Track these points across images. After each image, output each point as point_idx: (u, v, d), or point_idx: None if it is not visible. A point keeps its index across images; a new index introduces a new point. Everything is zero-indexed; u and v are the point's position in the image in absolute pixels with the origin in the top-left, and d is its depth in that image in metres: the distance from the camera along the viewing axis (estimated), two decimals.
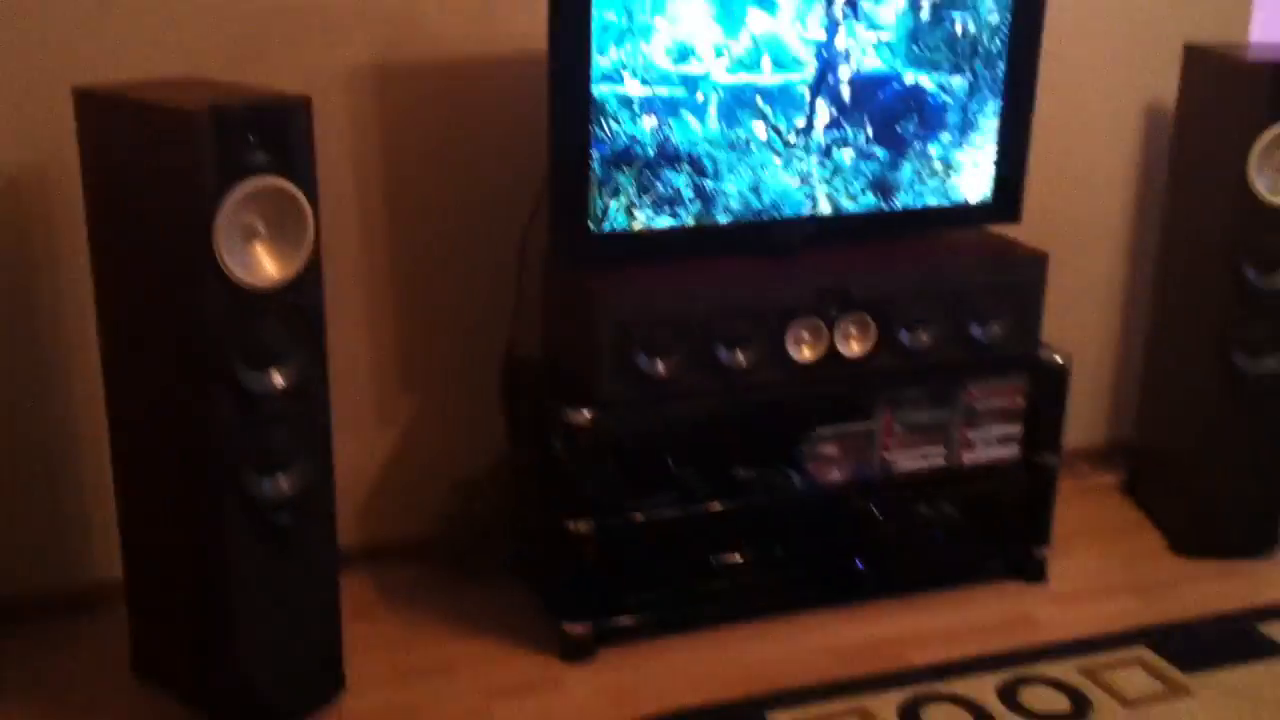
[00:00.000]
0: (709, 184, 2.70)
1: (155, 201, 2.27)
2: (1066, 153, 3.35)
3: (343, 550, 2.65)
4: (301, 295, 2.33)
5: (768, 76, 2.68)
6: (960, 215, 2.95)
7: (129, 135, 2.29)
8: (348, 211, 2.85)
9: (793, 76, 2.69)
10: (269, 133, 2.22)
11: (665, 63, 2.59)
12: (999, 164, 2.92)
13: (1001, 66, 2.84)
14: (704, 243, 2.76)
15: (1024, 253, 2.92)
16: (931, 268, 2.82)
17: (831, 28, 2.69)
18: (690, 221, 2.71)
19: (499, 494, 3.03)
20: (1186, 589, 3.05)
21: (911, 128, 2.82)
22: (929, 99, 2.81)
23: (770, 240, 2.79)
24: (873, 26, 2.72)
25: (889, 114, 2.80)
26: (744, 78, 2.66)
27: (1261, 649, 2.80)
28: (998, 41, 2.82)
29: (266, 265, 2.28)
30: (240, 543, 2.37)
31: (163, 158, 2.22)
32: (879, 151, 2.82)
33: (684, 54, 2.60)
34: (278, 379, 2.34)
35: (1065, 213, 3.38)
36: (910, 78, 2.78)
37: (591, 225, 2.65)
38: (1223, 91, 3.04)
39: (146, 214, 2.30)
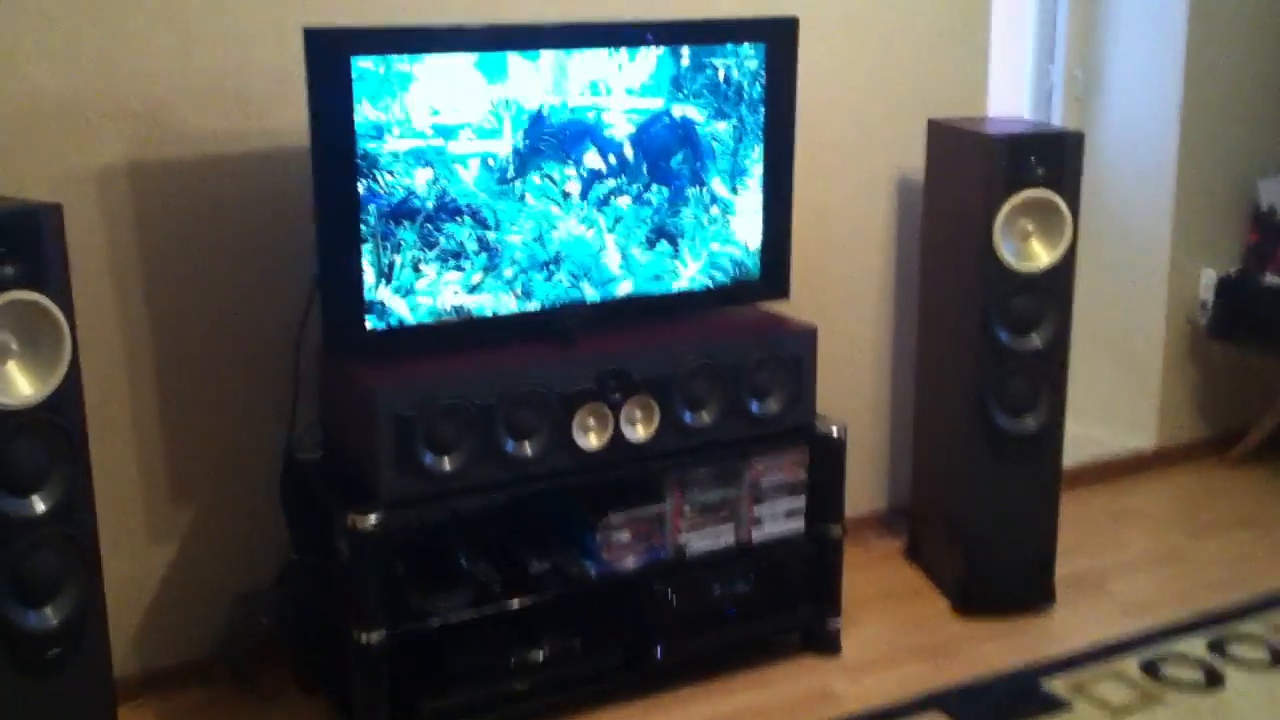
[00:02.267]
0: (491, 236, 2.69)
1: None
2: (827, 227, 3.46)
3: (120, 680, 2.50)
4: (60, 413, 2.23)
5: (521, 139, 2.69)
6: (732, 294, 3.01)
7: None
8: (107, 319, 2.73)
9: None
10: (19, 244, 2.13)
11: (428, 130, 2.58)
12: (764, 245, 2.99)
13: (759, 153, 2.93)
14: (483, 332, 2.74)
15: (794, 327, 2.99)
16: (708, 347, 2.85)
17: (594, 87, 2.74)
18: (476, 277, 2.70)
19: (285, 606, 2.91)
20: (971, 649, 3.12)
21: (685, 168, 2.87)
22: (702, 153, 2.88)
23: (549, 327, 2.79)
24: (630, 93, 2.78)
25: (662, 153, 2.84)
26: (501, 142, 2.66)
27: (1045, 704, 2.87)
28: (756, 131, 2.91)
29: (20, 384, 2.17)
30: (4, 681, 2.21)
31: None
32: (656, 194, 2.85)
33: (450, 132, 2.60)
34: (38, 504, 2.21)
35: (830, 285, 3.49)
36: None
37: (367, 319, 2.60)
38: (964, 164, 3.19)
39: None
